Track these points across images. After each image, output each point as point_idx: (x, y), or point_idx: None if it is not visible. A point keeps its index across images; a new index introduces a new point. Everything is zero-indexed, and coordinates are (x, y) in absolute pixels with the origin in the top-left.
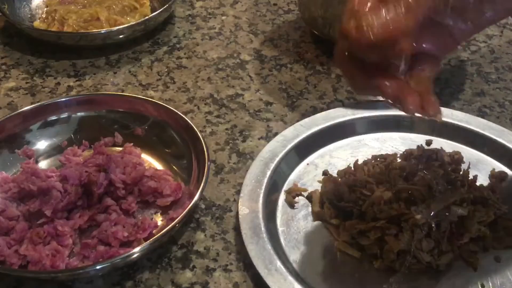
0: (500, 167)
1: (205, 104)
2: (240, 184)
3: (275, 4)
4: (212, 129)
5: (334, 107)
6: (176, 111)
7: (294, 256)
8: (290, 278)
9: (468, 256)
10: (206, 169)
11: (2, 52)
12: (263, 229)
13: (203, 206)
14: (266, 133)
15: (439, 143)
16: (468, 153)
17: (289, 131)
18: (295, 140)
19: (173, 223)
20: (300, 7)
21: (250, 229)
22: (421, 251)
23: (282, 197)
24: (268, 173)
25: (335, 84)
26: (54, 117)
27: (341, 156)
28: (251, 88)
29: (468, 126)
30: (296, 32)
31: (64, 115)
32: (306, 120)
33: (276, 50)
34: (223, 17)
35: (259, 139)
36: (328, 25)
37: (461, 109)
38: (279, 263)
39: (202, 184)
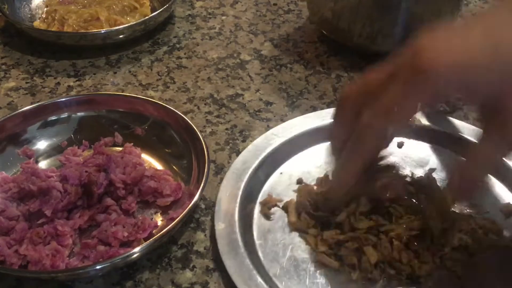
0: None
1: (205, 104)
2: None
3: (275, 4)
4: (212, 129)
5: (334, 107)
6: (176, 111)
7: (274, 269)
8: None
9: (451, 266)
10: (206, 169)
11: (2, 52)
12: (240, 243)
13: (203, 206)
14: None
15: (411, 144)
16: (439, 153)
17: (260, 140)
18: (268, 149)
19: (173, 223)
20: (309, 5)
21: (227, 245)
22: (400, 263)
23: (257, 208)
24: (242, 185)
25: (335, 84)
26: (54, 117)
27: (316, 162)
28: (251, 88)
29: (438, 128)
30: (296, 32)
31: (64, 115)
32: (278, 127)
33: (276, 50)
34: (223, 17)
35: (229, 172)
36: (339, 23)
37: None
38: (259, 279)
39: (202, 184)
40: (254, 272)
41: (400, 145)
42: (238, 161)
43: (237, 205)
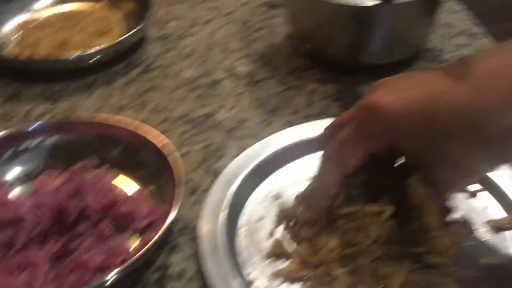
0: None
1: (179, 124)
2: None
3: (247, 22)
4: (187, 149)
5: (308, 121)
6: (150, 132)
7: (253, 274)
8: None
9: None
10: (180, 190)
11: None
12: (221, 248)
13: (178, 228)
14: (241, 151)
15: None
16: None
17: (251, 150)
18: (258, 158)
19: (146, 247)
20: (289, 21)
21: (209, 249)
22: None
23: (243, 216)
24: (229, 192)
25: (309, 98)
26: (26, 144)
27: (293, 178)
28: (226, 106)
29: None
30: (270, 48)
31: (36, 141)
32: (257, 145)
33: (250, 67)
34: (196, 37)
35: (234, 157)
36: (317, 34)
37: None
38: (235, 283)
39: (176, 204)
40: (231, 276)
41: None
42: (230, 168)
43: (222, 211)
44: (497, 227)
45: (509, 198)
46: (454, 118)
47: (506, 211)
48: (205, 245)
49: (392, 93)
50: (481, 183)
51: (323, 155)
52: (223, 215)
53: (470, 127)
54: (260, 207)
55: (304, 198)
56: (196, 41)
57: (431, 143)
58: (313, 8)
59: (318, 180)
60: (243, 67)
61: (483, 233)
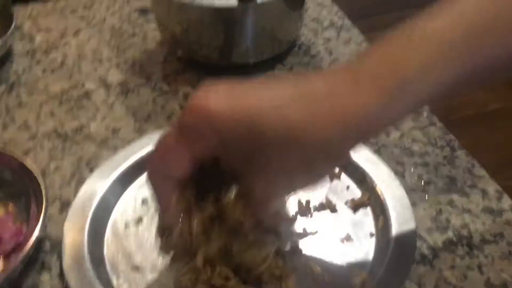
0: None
1: (48, 140)
2: None
3: (119, 30)
4: (56, 165)
5: None
6: (8, 152)
7: (121, 282)
8: None
9: None
10: (44, 207)
11: None
12: (86, 257)
13: (48, 246)
14: None
15: None
16: None
17: (104, 167)
18: (124, 165)
19: (11, 268)
20: (159, 27)
21: (73, 261)
22: None
23: (110, 223)
24: (96, 198)
25: (182, 102)
26: None
27: None
28: (97, 117)
29: None
30: (142, 55)
31: None
32: (121, 152)
33: (122, 75)
34: (65, 48)
35: (76, 197)
36: (188, 37)
37: None
38: None
39: (40, 223)
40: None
41: None
42: (82, 192)
43: (88, 220)
44: (354, 205)
45: (367, 179)
46: (282, 133)
47: (362, 191)
48: (68, 257)
49: (217, 97)
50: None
51: (148, 169)
52: (87, 224)
53: (296, 143)
54: (127, 213)
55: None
56: (66, 53)
57: (253, 154)
58: (180, 12)
59: (156, 202)
60: (115, 76)
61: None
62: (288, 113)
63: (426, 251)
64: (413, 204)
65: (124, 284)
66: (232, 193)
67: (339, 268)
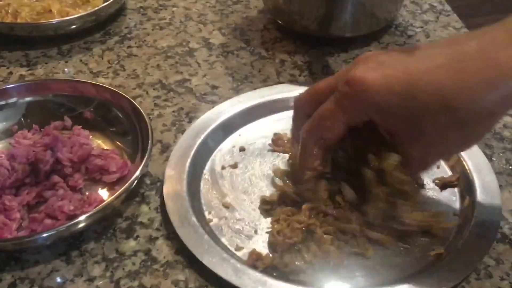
0: None
1: (153, 89)
2: None
3: None
4: (159, 112)
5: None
6: (121, 92)
7: (212, 216)
8: (201, 231)
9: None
10: (149, 146)
11: None
12: (184, 189)
13: (148, 182)
14: None
15: None
16: None
17: (225, 105)
18: (225, 115)
19: (116, 194)
20: None
21: (172, 190)
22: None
23: (209, 164)
24: (199, 141)
25: (278, 68)
26: (2, 102)
27: (260, 133)
28: (199, 73)
29: None
30: (244, 21)
31: (12, 100)
32: (221, 105)
33: (224, 38)
34: (174, 9)
35: (184, 133)
36: (290, 7)
37: None
38: (193, 218)
39: (145, 159)
40: (191, 213)
41: None
42: (201, 119)
43: (190, 157)
44: (442, 184)
45: (459, 160)
46: (434, 98)
47: (452, 171)
48: (168, 186)
49: (373, 70)
50: None
51: (304, 129)
52: (189, 161)
53: (448, 108)
54: (225, 157)
55: (287, 172)
56: (174, 13)
57: (408, 121)
58: None
59: (301, 154)
60: (217, 38)
61: (431, 189)
62: (439, 78)
63: (507, 231)
64: (499, 186)
65: (215, 218)
66: (396, 159)
67: (417, 240)
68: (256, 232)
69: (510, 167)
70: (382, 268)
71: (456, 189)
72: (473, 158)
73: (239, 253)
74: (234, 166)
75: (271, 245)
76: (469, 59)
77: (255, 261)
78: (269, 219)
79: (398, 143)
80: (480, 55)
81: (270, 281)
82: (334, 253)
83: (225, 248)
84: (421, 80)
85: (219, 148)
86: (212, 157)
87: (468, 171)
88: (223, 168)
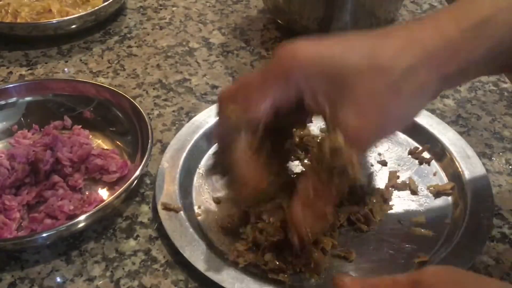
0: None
1: (153, 88)
2: None
3: None
4: (159, 112)
5: None
6: (121, 92)
7: (200, 210)
8: (187, 224)
9: None
10: (149, 145)
11: None
12: (176, 181)
13: (148, 181)
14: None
15: None
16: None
17: (199, 116)
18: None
19: (116, 194)
20: None
21: (164, 182)
22: None
23: (205, 158)
24: (196, 136)
25: None
26: (2, 102)
27: None
28: (199, 73)
29: None
30: (244, 21)
31: (12, 100)
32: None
33: (224, 38)
34: (174, 8)
35: (183, 126)
36: (290, 6)
37: None
38: (181, 212)
39: (144, 159)
40: (179, 204)
41: None
42: (201, 115)
43: (186, 151)
44: (437, 192)
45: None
46: (365, 61)
47: (449, 179)
48: (160, 177)
49: (305, 42)
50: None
51: (223, 97)
52: (185, 152)
53: (381, 68)
54: None
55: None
56: (174, 12)
57: (341, 85)
58: None
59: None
60: (217, 38)
61: (424, 196)
62: (371, 48)
63: (507, 231)
64: (499, 186)
65: (203, 213)
66: (338, 135)
67: (403, 246)
68: (243, 228)
69: (510, 167)
70: (364, 273)
71: (450, 197)
72: (469, 168)
73: (222, 248)
74: None
75: (254, 242)
76: (399, 35)
77: (236, 257)
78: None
79: (331, 117)
80: (408, 31)
81: (248, 278)
82: (317, 255)
83: (209, 244)
84: (355, 47)
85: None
86: (209, 152)
87: (464, 180)
88: None
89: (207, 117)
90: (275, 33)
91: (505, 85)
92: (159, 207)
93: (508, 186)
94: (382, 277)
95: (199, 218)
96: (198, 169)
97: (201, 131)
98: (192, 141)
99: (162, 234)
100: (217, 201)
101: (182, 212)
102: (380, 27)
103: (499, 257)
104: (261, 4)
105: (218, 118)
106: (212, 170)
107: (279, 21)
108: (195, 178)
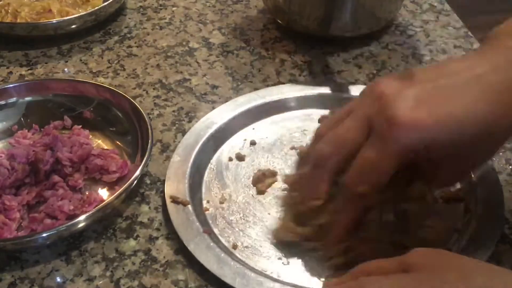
0: None
1: (153, 88)
2: None
3: None
4: (159, 112)
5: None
6: (121, 92)
7: (209, 205)
8: (194, 218)
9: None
10: (149, 145)
11: None
12: (186, 175)
13: (148, 182)
14: None
15: None
16: None
17: (243, 98)
18: (239, 109)
19: (116, 193)
20: None
21: (175, 174)
22: None
23: (218, 153)
24: (211, 130)
25: (278, 68)
26: (2, 102)
27: (261, 135)
28: (198, 73)
29: None
30: (244, 21)
31: (12, 100)
32: (262, 90)
33: (224, 38)
34: (174, 8)
35: (198, 121)
36: (290, 6)
37: None
38: (189, 206)
39: (145, 158)
40: (188, 198)
41: None
42: (214, 112)
43: (199, 145)
44: (447, 198)
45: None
46: (479, 128)
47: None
48: (171, 170)
49: (419, 105)
50: None
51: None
52: (198, 146)
53: (491, 134)
54: (234, 149)
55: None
56: (174, 12)
57: (454, 152)
58: None
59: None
60: (217, 38)
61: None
62: (481, 111)
63: (507, 231)
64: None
65: (211, 208)
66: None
67: None
68: (248, 225)
69: (510, 167)
70: None
71: (460, 204)
72: (482, 175)
73: (227, 244)
74: (241, 158)
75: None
76: (499, 90)
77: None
78: (264, 214)
79: (430, 171)
80: (504, 85)
81: (249, 273)
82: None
83: (215, 238)
84: (467, 118)
85: (230, 139)
86: (222, 147)
87: (475, 187)
88: (230, 159)
89: (222, 113)
90: (275, 33)
91: None
92: (167, 200)
93: (508, 186)
94: (367, 263)
95: (206, 213)
96: (209, 164)
97: (215, 127)
98: (206, 136)
99: (165, 232)
100: (226, 196)
101: (190, 206)
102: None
103: (499, 257)
104: (261, 4)
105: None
106: None
107: (279, 21)
108: (206, 173)
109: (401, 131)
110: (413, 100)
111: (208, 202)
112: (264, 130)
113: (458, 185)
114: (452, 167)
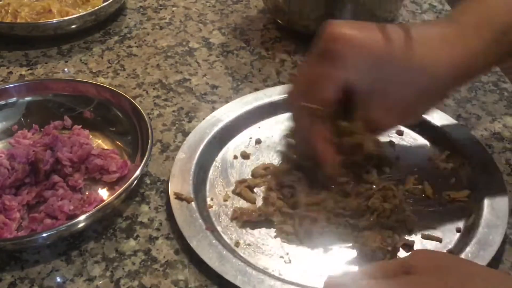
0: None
1: (153, 88)
2: None
3: None
4: (159, 112)
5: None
6: (121, 92)
7: (212, 202)
8: (197, 215)
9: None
10: (149, 145)
11: None
12: (191, 171)
13: (148, 182)
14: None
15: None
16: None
17: (249, 97)
18: (245, 108)
19: (116, 194)
20: None
21: (180, 171)
22: None
23: (223, 151)
24: (216, 129)
25: (278, 67)
26: (2, 102)
27: (264, 134)
28: (198, 73)
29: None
30: (244, 21)
31: (12, 100)
32: (268, 89)
33: (224, 38)
34: (174, 8)
35: (204, 119)
36: (290, 6)
37: None
38: (192, 202)
39: (145, 159)
40: (192, 195)
41: (400, 133)
42: (216, 113)
43: (203, 144)
44: (452, 199)
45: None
46: (407, 66)
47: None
48: (176, 167)
49: (352, 28)
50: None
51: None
52: (201, 147)
53: (417, 79)
54: (239, 147)
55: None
56: (174, 12)
57: (381, 82)
58: None
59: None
60: (217, 38)
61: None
62: (415, 51)
63: (507, 230)
64: None
65: (215, 205)
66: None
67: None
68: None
69: (510, 167)
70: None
71: (464, 206)
72: (488, 178)
73: (229, 241)
74: (246, 156)
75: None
76: (435, 45)
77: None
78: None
79: (360, 108)
80: (443, 43)
81: (250, 271)
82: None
83: (217, 236)
84: (397, 49)
85: (236, 137)
86: (227, 145)
87: (480, 190)
88: (235, 157)
89: (228, 111)
90: (275, 33)
91: (505, 85)
92: (171, 196)
93: (508, 186)
94: (371, 265)
95: (210, 210)
96: (214, 162)
97: (221, 125)
98: (211, 134)
99: (165, 232)
100: (229, 194)
101: (193, 203)
102: None
103: (499, 257)
104: (261, 4)
105: (292, 113)
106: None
107: (279, 21)
108: (210, 171)
109: (333, 41)
110: (349, 24)
111: (212, 199)
112: (269, 128)
113: (463, 188)
114: (378, 108)
